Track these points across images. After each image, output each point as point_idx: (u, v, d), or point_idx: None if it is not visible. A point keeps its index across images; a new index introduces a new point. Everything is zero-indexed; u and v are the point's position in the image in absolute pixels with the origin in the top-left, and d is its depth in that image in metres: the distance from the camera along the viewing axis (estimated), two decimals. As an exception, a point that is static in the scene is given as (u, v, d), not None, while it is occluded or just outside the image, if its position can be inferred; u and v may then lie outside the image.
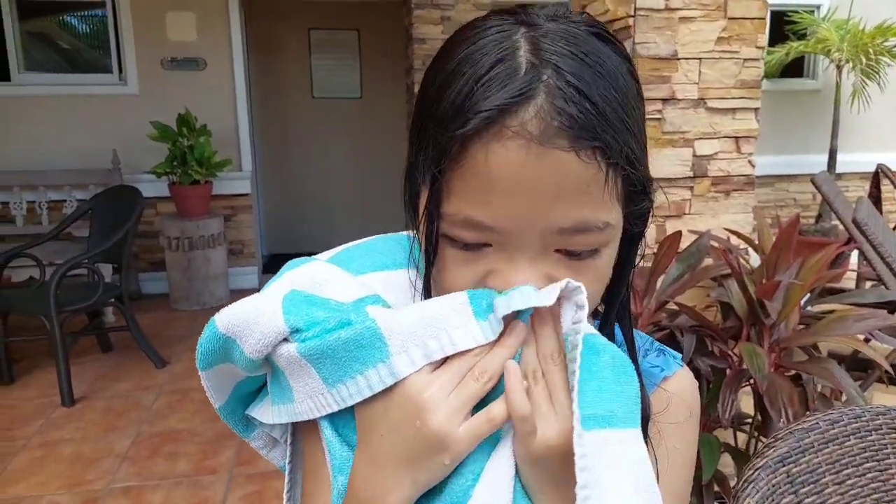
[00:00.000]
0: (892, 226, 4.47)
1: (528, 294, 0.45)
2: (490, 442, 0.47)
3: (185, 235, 4.38)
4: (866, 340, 1.48)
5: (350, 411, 0.49)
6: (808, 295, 1.74)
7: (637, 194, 0.48)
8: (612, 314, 0.54)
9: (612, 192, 0.44)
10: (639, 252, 0.54)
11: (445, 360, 0.47)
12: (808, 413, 1.17)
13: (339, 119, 6.35)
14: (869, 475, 0.78)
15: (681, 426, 0.53)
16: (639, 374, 0.49)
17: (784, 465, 0.74)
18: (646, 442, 0.48)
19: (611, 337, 0.52)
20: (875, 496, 0.78)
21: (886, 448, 0.79)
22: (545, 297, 0.45)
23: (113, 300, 3.35)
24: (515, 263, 0.46)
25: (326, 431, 0.51)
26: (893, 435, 0.79)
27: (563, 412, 0.45)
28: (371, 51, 6.26)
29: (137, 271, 4.76)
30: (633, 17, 1.63)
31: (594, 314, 0.55)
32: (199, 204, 4.49)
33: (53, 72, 4.82)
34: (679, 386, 0.57)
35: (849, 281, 3.59)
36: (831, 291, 2.20)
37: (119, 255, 3.31)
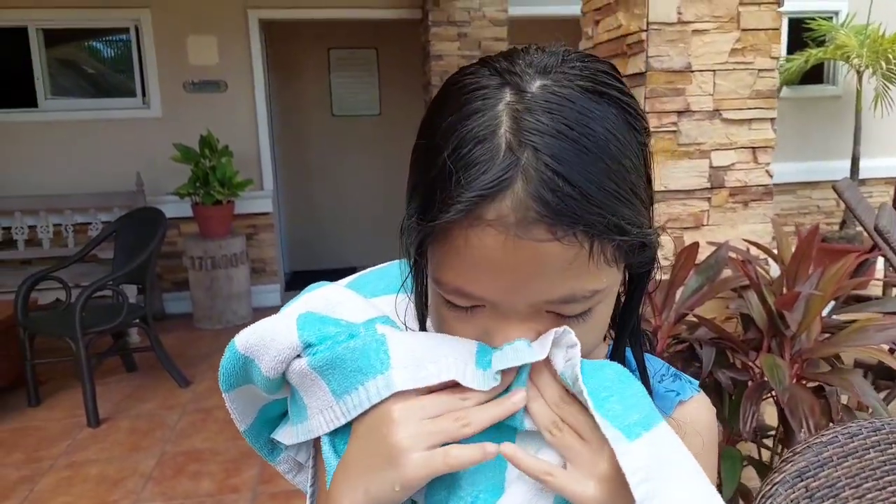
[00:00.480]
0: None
1: (521, 350, 0.46)
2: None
3: (208, 255, 4.45)
4: (891, 351, 1.46)
5: (349, 426, 0.51)
6: (833, 303, 1.72)
7: (637, 249, 0.47)
8: (623, 341, 0.55)
9: (600, 261, 0.44)
10: (649, 284, 0.54)
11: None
12: (827, 426, 1.15)
13: (359, 136, 6.42)
14: (890, 488, 0.76)
15: (694, 453, 0.53)
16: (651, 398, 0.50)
17: (803, 480, 0.73)
18: None
19: (623, 363, 0.52)
20: (898, 511, 0.76)
21: (909, 462, 0.78)
22: (538, 351, 0.46)
23: (137, 321, 3.40)
24: (509, 322, 0.47)
25: (325, 447, 0.52)
26: (916, 448, 0.78)
27: (599, 441, 0.45)
28: (389, 68, 6.34)
29: (161, 291, 4.84)
30: (646, 31, 1.63)
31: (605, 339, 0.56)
32: (221, 223, 4.56)
33: (79, 97, 4.96)
34: (695, 412, 0.56)
35: (875, 288, 3.52)
36: (858, 299, 2.15)
37: (143, 276, 3.37)
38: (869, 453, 0.77)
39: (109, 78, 5.15)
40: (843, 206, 5.26)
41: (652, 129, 1.71)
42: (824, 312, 1.55)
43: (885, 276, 2.43)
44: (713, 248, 1.64)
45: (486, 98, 0.44)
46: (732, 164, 1.76)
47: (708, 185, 1.75)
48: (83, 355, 3.05)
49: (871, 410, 1.33)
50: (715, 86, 1.71)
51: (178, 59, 4.79)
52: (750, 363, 1.46)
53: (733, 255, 1.61)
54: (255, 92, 4.96)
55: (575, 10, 5.16)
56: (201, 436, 2.97)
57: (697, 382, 0.59)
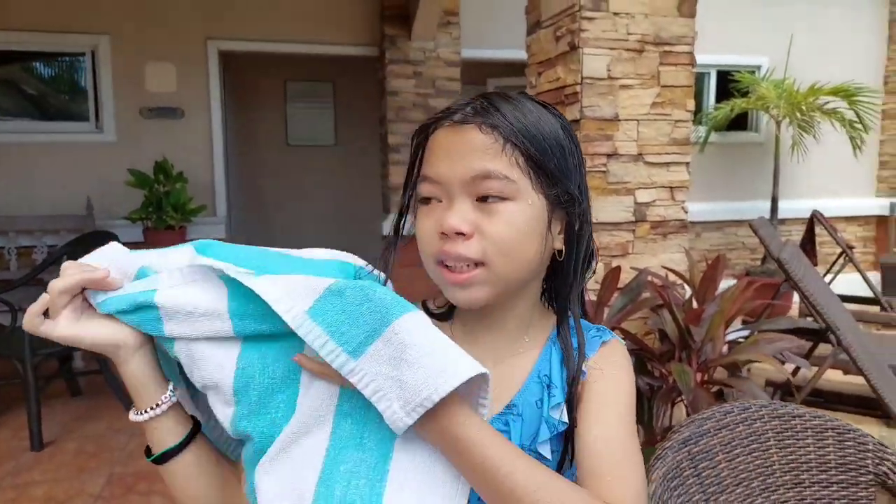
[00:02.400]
0: (829, 265, 4.82)
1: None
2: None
3: (159, 279, 4.46)
4: (782, 362, 1.70)
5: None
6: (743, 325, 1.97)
7: (570, 202, 0.70)
8: (566, 299, 0.74)
9: (512, 160, 0.66)
10: (590, 258, 0.75)
11: None
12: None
13: (313, 165, 6.55)
14: (754, 454, 0.97)
15: (615, 375, 0.71)
16: (582, 345, 0.70)
17: (686, 446, 0.93)
18: (573, 396, 0.68)
19: (568, 325, 0.72)
20: (758, 471, 0.97)
21: (767, 433, 0.98)
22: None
23: (89, 341, 3.40)
24: (451, 211, 0.67)
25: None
26: (773, 422, 0.99)
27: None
28: (345, 100, 6.53)
29: (108, 315, 4.79)
30: (581, 84, 1.88)
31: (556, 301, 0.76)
32: (173, 248, 4.59)
33: (30, 119, 4.94)
34: (612, 347, 0.75)
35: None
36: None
37: (97, 297, 3.39)
38: (738, 427, 0.97)
39: (62, 101, 5.15)
40: (764, 243, 5.69)
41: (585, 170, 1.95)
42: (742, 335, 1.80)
43: (802, 302, 2.73)
44: (636, 273, 1.87)
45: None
46: (653, 201, 2.01)
47: (633, 218, 1.99)
48: (31, 378, 3.04)
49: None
50: (639, 133, 1.97)
51: (135, 86, 4.85)
52: (664, 371, 1.68)
53: (652, 279, 1.84)
54: (211, 120, 5.05)
55: (521, 55, 5.51)
56: (152, 455, 2.99)
57: (614, 333, 0.79)
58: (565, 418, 0.69)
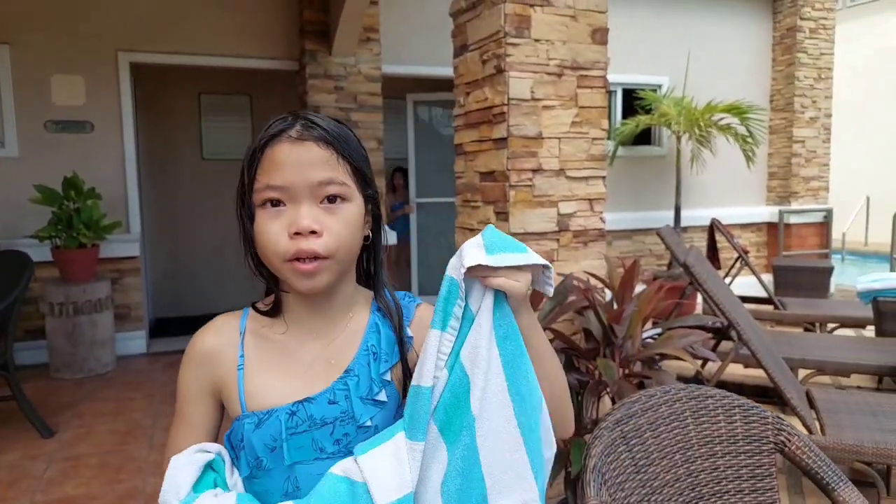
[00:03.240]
0: (727, 269, 5.23)
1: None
2: None
3: (70, 300, 4.26)
4: (693, 356, 1.89)
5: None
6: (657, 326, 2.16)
7: (374, 197, 0.87)
8: (378, 273, 0.93)
9: (346, 170, 0.82)
10: (383, 236, 0.92)
11: None
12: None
13: (230, 180, 6.32)
14: (675, 430, 1.12)
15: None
16: (398, 304, 0.90)
17: (619, 426, 1.06)
18: (405, 354, 0.87)
19: (385, 296, 0.90)
20: (679, 445, 1.11)
21: (685, 412, 1.13)
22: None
23: (-2, 368, 3.23)
24: (300, 212, 0.80)
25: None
26: (690, 402, 1.14)
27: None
28: (264, 113, 6.46)
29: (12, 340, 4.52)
30: (507, 105, 2.02)
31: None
32: (85, 268, 4.39)
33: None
34: (424, 310, 0.93)
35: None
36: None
37: (6, 322, 3.22)
38: (661, 408, 1.11)
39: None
40: (669, 249, 6.11)
41: (512, 184, 2.09)
42: (654, 333, 1.98)
43: (705, 303, 2.99)
44: (561, 279, 2.02)
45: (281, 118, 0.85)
46: (574, 213, 2.18)
47: (556, 228, 2.15)
48: (-66, 407, 2.85)
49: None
50: (560, 150, 2.13)
51: (40, 98, 4.62)
52: (591, 367, 1.83)
53: (577, 283, 1.99)
54: (123, 134, 4.88)
55: (437, 71, 5.68)
56: (73, 482, 2.87)
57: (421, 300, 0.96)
58: (388, 377, 0.86)
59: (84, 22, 4.69)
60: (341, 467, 0.73)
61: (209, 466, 0.80)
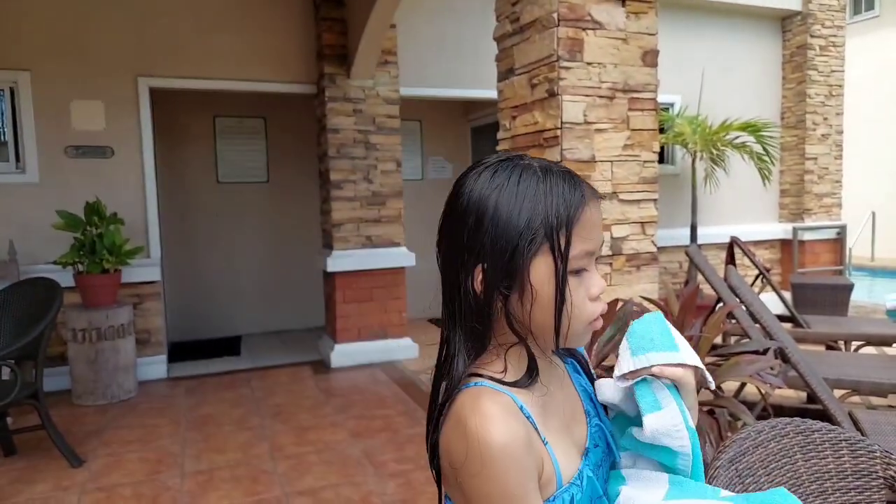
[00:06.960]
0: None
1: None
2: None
3: (93, 326, 4.23)
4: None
5: None
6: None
7: None
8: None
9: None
10: None
11: None
12: (721, 437, 1.50)
13: (245, 202, 6.43)
14: (785, 468, 1.09)
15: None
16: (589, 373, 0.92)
17: (733, 465, 1.03)
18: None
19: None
20: (791, 482, 1.08)
21: (794, 448, 1.11)
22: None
23: (28, 398, 3.19)
24: (596, 274, 0.79)
25: None
26: (797, 437, 1.11)
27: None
28: (278, 136, 6.48)
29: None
30: (560, 129, 2.01)
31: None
32: (108, 293, 4.37)
33: (-59, 160, 4.60)
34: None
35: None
36: (712, 346, 2.63)
37: (37, 350, 3.19)
38: (770, 444, 1.09)
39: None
40: (685, 267, 6.10)
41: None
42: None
43: (744, 323, 2.95)
44: (620, 304, 1.99)
45: (524, 177, 0.78)
46: (627, 236, 2.16)
47: (610, 252, 2.13)
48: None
49: (742, 424, 1.71)
50: (612, 173, 2.12)
51: (60, 124, 4.63)
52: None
53: (636, 309, 1.96)
54: (143, 158, 4.88)
55: (454, 92, 5.69)
56: (108, 516, 2.82)
57: None
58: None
59: (102, 47, 4.71)
60: None
61: None
